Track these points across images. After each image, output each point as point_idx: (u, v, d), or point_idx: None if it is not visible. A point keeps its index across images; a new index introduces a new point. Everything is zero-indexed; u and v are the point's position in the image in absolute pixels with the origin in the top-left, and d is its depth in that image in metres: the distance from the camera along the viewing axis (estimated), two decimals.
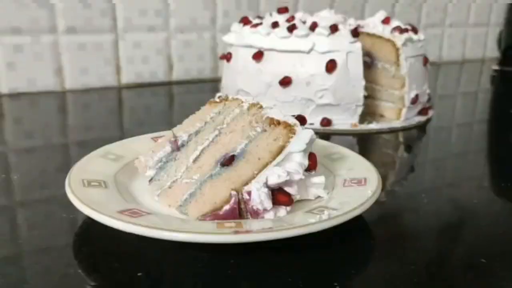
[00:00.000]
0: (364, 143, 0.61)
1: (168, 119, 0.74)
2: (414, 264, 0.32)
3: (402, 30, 0.65)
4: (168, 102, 0.84)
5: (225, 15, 0.92)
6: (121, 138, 0.61)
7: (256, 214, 0.33)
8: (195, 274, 0.30)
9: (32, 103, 0.75)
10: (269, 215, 0.33)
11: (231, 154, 0.36)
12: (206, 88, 0.91)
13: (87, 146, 0.58)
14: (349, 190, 0.37)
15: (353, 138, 0.61)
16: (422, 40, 0.67)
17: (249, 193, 0.33)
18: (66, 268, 0.30)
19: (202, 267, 0.30)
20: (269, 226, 0.30)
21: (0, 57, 0.75)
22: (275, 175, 0.34)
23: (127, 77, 0.86)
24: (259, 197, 0.33)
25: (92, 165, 0.39)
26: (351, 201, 0.34)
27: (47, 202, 0.41)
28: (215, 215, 0.33)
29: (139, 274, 0.29)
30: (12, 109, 0.73)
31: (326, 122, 0.61)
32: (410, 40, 0.65)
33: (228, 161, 0.36)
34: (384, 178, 0.39)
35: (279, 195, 0.34)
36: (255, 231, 0.29)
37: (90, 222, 0.35)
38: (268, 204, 0.33)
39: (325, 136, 0.59)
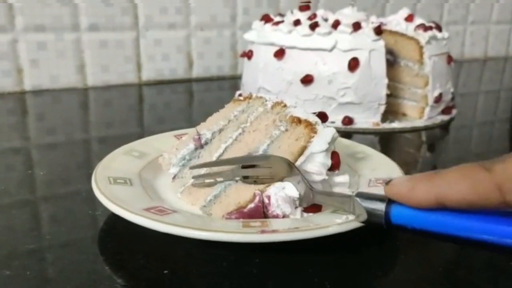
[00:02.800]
0: (386, 142, 0.60)
1: (187, 116, 0.75)
2: (441, 266, 0.32)
3: (426, 28, 0.64)
4: (188, 99, 0.85)
5: (245, 12, 0.92)
6: (141, 134, 0.62)
7: (277, 217, 0.33)
8: (220, 273, 0.30)
9: (55, 100, 0.76)
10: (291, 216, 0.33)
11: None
12: (226, 85, 0.91)
13: (108, 142, 0.58)
14: (374, 190, 0.36)
15: (375, 137, 0.61)
16: (446, 38, 0.66)
17: (268, 197, 0.33)
18: (93, 264, 0.31)
19: (227, 266, 0.30)
20: (295, 226, 0.30)
21: (24, 54, 0.76)
22: (294, 190, 0.33)
23: (147, 74, 0.87)
24: (276, 201, 0.33)
25: (117, 162, 0.39)
26: None
27: (72, 198, 0.41)
28: (240, 213, 0.33)
29: (165, 271, 0.30)
30: (35, 105, 0.74)
31: (347, 120, 0.61)
32: (434, 38, 0.64)
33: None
34: None
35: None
36: (281, 230, 0.29)
37: (115, 219, 0.35)
38: (287, 208, 0.33)
39: (346, 134, 0.58)
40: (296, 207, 0.34)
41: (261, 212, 0.33)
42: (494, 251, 0.24)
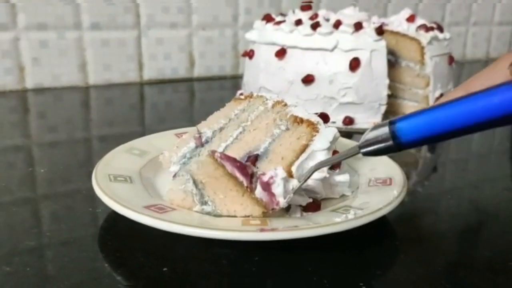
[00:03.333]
0: None
1: (188, 115, 0.75)
2: (441, 266, 0.32)
3: (427, 29, 0.64)
4: (189, 98, 0.85)
5: (247, 12, 0.92)
6: (142, 133, 0.62)
7: (266, 185, 0.32)
8: (219, 271, 0.30)
9: (56, 98, 0.76)
10: (280, 190, 0.32)
11: (255, 153, 0.36)
12: (227, 85, 0.91)
13: (109, 141, 0.59)
14: (374, 190, 0.36)
15: None
16: (447, 39, 0.66)
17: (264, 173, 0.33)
18: (93, 262, 0.31)
19: (227, 264, 0.31)
20: (295, 224, 0.30)
21: (26, 52, 0.76)
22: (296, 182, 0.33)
23: (149, 73, 0.87)
24: (274, 171, 0.33)
25: (118, 160, 0.40)
26: (377, 201, 0.34)
27: (73, 196, 0.41)
28: (226, 156, 0.33)
29: (164, 269, 0.30)
30: (37, 103, 0.74)
31: (348, 120, 0.61)
32: (435, 38, 0.64)
33: (252, 161, 0.35)
34: (406, 177, 0.39)
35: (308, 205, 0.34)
36: (281, 229, 0.29)
37: (115, 216, 0.35)
38: (281, 172, 0.32)
39: (347, 134, 0.58)
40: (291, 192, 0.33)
41: (247, 172, 0.33)
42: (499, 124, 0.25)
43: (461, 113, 0.25)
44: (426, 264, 0.32)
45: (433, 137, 0.27)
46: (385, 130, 0.28)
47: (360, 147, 0.29)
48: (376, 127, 0.29)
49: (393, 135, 0.27)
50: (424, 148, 0.62)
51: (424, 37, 0.63)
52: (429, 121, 0.26)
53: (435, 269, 0.31)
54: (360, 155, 0.30)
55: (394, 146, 0.28)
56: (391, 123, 0.28)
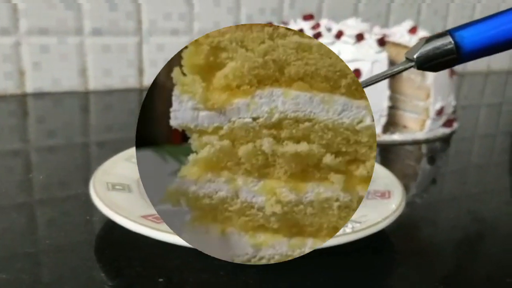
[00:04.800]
0: (386, 154, 0.60)
1: None
2: (440, 280, 0.31)
3: None
4: None
5: (248, 19, 0.92)
6: None
7: None
8: (216, 282, 0.30)
9: (56, 103, 0.76)
10: None
11: None
12: None
13: (109, 147, 0.59)
14: (372, 203, 0.36)
15: None
16: None
17: None
18: (90, 270, 0.31)
19: (224, 275, 0.30)
20: None
21: (26, 57, 0.76)
22: None
23: (149, 80, 0.87)
24: None
25: (116, 168, 0.39)
26: (375, 214, 0.33)
27: (71, 202, 0.41)
28: None
29: (160, 280, 0.29)
30: (36, 108, 0.74)
31: None
32: None
33: None
34: (405, 190, 0.38)
35: None
36: None
37: (112, 225, 0.35)
38: None
39: None
40: None
41: None
42: None
43: None
44: (424, 277, 0.32)
45: (499, 44, 0.26)
46: (447, 40, 0.25)
47: (416, 60, 0.27)
48: (433, 38, 0.26)
49: (456, 45, 0.25)
50: (424, 159, 0.62)
51: None
52: (494, 27, 0.25)
53: (433, 283, 0.31)
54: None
55: (458, 58, 0.26)
56: (451, 33, 0.26)
